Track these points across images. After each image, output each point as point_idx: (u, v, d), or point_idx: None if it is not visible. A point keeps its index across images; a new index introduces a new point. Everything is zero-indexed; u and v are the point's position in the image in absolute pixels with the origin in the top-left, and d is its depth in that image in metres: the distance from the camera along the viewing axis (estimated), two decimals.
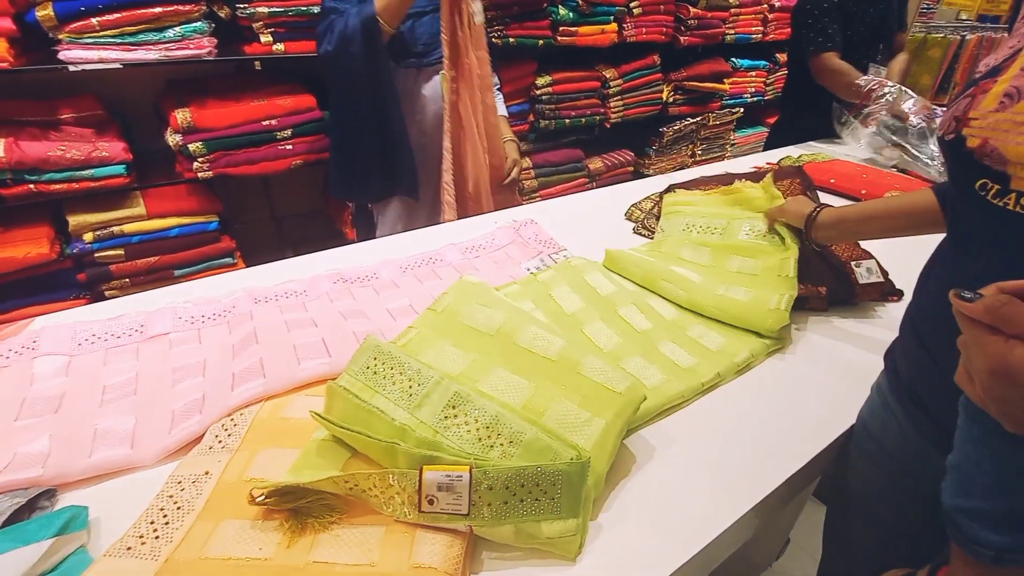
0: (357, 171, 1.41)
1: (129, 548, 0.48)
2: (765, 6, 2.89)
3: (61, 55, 1.40)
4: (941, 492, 0.43)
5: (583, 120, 2.51)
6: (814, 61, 1.76)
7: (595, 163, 2.69)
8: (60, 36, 1.39)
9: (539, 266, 1.00)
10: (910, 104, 1.63)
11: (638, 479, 0.61)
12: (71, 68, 1.41)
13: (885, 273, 0.96)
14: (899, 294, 0.95)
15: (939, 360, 0.55)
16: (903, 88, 1.66)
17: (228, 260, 1.77)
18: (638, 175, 2.90)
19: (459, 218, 1.34)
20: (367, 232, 1.66)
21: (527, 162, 2.44)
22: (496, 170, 1.55)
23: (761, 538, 1.34)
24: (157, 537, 0.49)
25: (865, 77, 1.69)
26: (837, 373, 0.79)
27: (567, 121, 2.45)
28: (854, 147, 1.74)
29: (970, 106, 0.48)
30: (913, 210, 0.75)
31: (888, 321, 0.92)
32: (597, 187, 2.71)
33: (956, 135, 0.49)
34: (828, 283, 0.91)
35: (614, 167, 2.75)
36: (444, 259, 1.04)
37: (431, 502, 0.49)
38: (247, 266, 1.78)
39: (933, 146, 1.59)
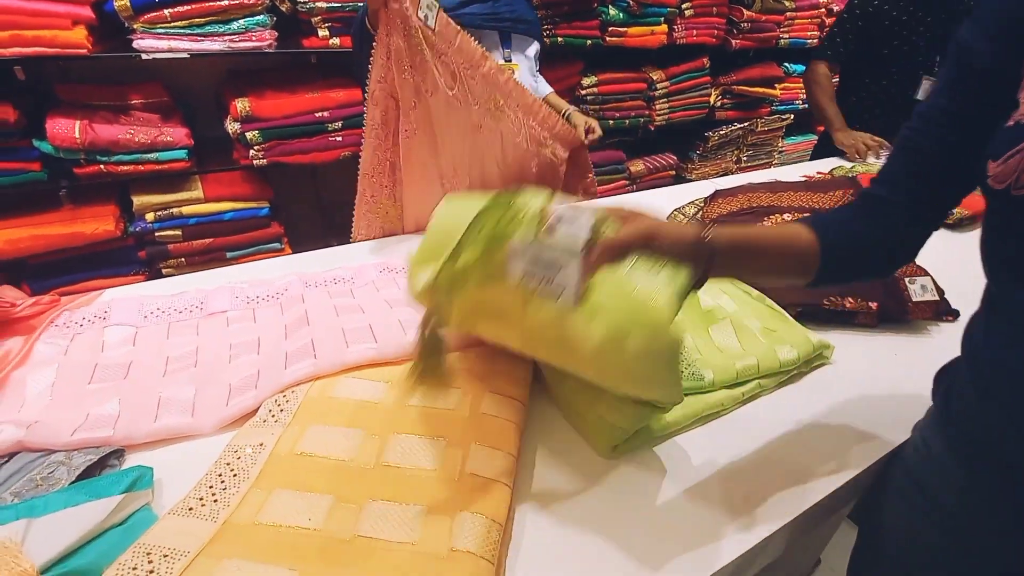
0: None
1: (191, 509, 0.51)
2: (823, 10, 2.81)
3: (135, 44, 1.48)
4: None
5: (627, 122, 2.49)
6: (808, 64, 1.82)
7: (636, 165, 2.67)
8: (135, 26, 1.47)
9: None
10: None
11: (671, 487, 0.61)
12: (143, 56, 1.49)
13: (941, 291, 0.92)
14: (955, 314, 0.92)
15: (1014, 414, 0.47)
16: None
17: (276, 245, 1.84)
18: (680, 179, 2.86)
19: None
20: None
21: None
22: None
23: (792, 556, 1.31)
24: (216, 501, 0.52)
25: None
26: (883, 393, 0.77)
27: (611, 122, 2.44)
28: None
29: None
30: (795, 251, 0.57)
31: (941, 341, 0.89)
32: (637, 190, 2.69)
33: None
34: (879, 298, 0.88)
35: (656, 170, 2.72)
36: None
37: (551, 230, 0.47)
38: (293, 252, 1.86)
39: None
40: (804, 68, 1.85)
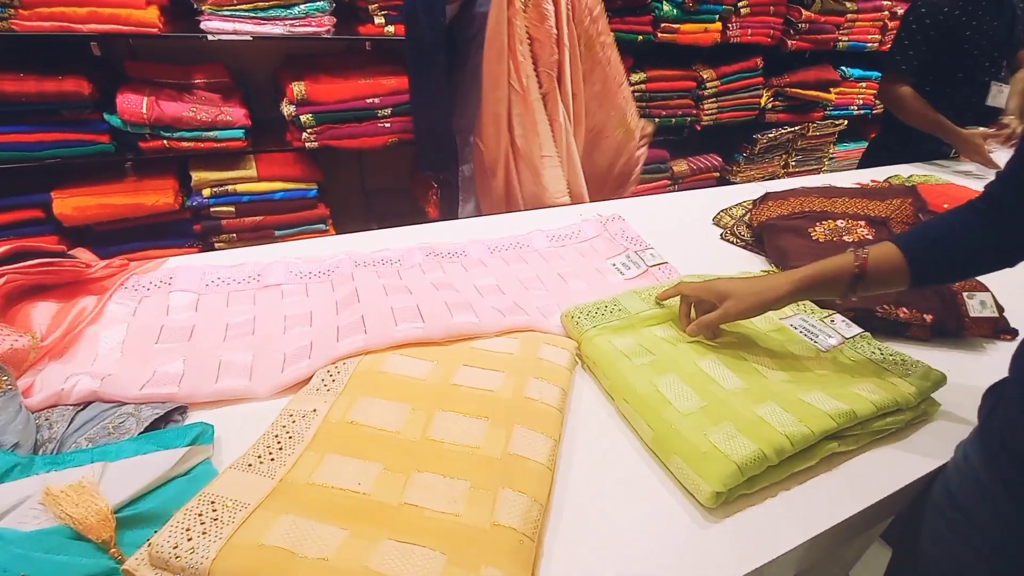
0: (432, 138, 1.42)
1: (250, 465, 0.54)
2: (886, 13, 2.70)
3: (202, 25, 1.54)
4: None
5: (673, 120, 2.46)
6: (881, 81, 1.73)
7: (680, 165, 2.63)
8: (203, 8, 1.53)
9: (625, 263, 1.01)
10: None
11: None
12: (209, 37, 1.55)
13: (1000, 308, 0.89)
14: (1013, 333, 0.88)
15: None
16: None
17: (321, 226, 1.89)
18: (724, 182, 2.81)
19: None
20: (449, 214, 1.71)
21: None
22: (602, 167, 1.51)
23: (818, 572, 1.29)
24: (272, 459, 0.55)
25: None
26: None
27: (657, 120, 2.41)
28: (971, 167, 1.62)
29: None
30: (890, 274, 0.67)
31: (997, 360, 0.85)
32: (679, 190, 2.65)
33: None
34: (935, 312, 0.85)
35: (699, 171, 2.68)
36: (531, 245, 1.06)
37: None
38: (336, 233, 1.91)
39: None
40: (880, 87, 1.75)
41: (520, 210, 1.34)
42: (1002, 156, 1.54)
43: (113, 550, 0.48)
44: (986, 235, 0.64)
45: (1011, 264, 0.64)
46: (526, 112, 1.33)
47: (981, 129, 1.62)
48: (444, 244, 1.04)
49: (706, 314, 0.74)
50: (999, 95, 1.67)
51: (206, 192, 1.69)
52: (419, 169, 1.64)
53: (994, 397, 0.58)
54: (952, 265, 0.68)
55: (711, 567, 0.53)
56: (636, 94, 2.32)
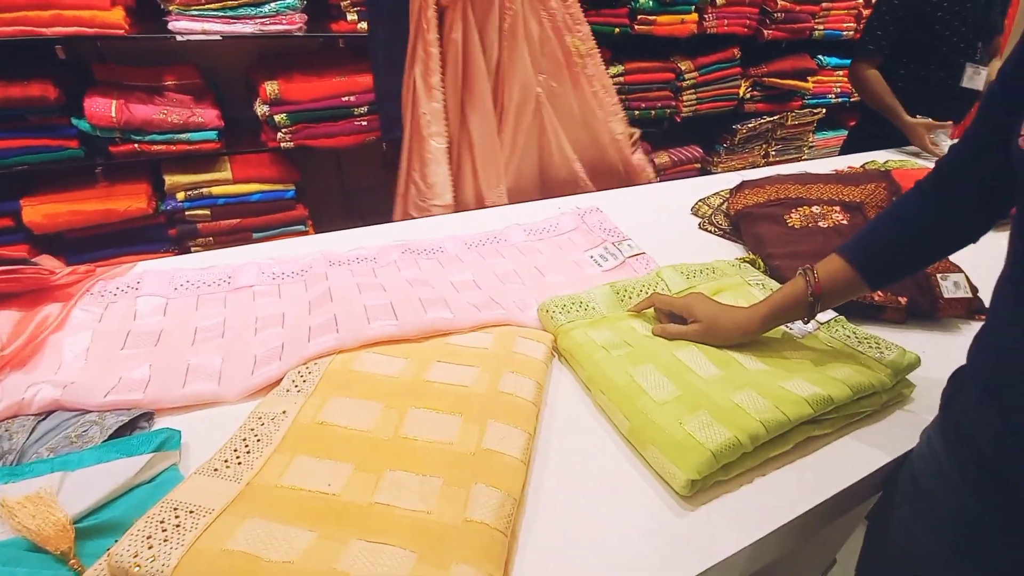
0: (394, 97, 1.28)
1: (216, 470, 0.53)
2: (861, 1, 2.72)
3: (170, 25, 1.51)
4: None
5: (652, 112, 2.46)
6: (851, 64, 1.75)
7: (661, 157, 2.64)
8: (170, 8, 1.50)
9: (603, 254, 1.00)
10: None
11: None
12: (178, 38, 1.52)
13: (975, 289, 0.90)
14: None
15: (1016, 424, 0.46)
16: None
17: (301, 227, 1.87)
18: (705, 172, 2.82)
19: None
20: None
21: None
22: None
23: (806, 554, 1.30)
24: (240, 463, 0.54)
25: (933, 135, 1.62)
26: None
27: (636, 112, 2.41)
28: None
29: None
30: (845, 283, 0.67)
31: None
32: (660, 182, 2.65)
33: None
34: (909, 294, 0.86)
35: (680, 163, 2.68)
36: (508, 239, 1.06)
37: None
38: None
39: None
40: (849, 68, 1.77)
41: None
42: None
43: (72, 561, 0.46)
44: (935, 216, 0.62)
45: (973, 240, 0.63)
46: (428, 57, 1.12)
47: (929, 120, 1.64)
48: (420, 241, 1.02)
49: (675, 325, 0.76)
50: (975, 76, 1.67)
51: (180, 196, 1.67)
52: (384, 135, 1.51)
53: (955, 383, 0.58)
54: (906, 261, 0.67)
55: (688, 555, 0.52)
56: (614, 87, 2.32)
